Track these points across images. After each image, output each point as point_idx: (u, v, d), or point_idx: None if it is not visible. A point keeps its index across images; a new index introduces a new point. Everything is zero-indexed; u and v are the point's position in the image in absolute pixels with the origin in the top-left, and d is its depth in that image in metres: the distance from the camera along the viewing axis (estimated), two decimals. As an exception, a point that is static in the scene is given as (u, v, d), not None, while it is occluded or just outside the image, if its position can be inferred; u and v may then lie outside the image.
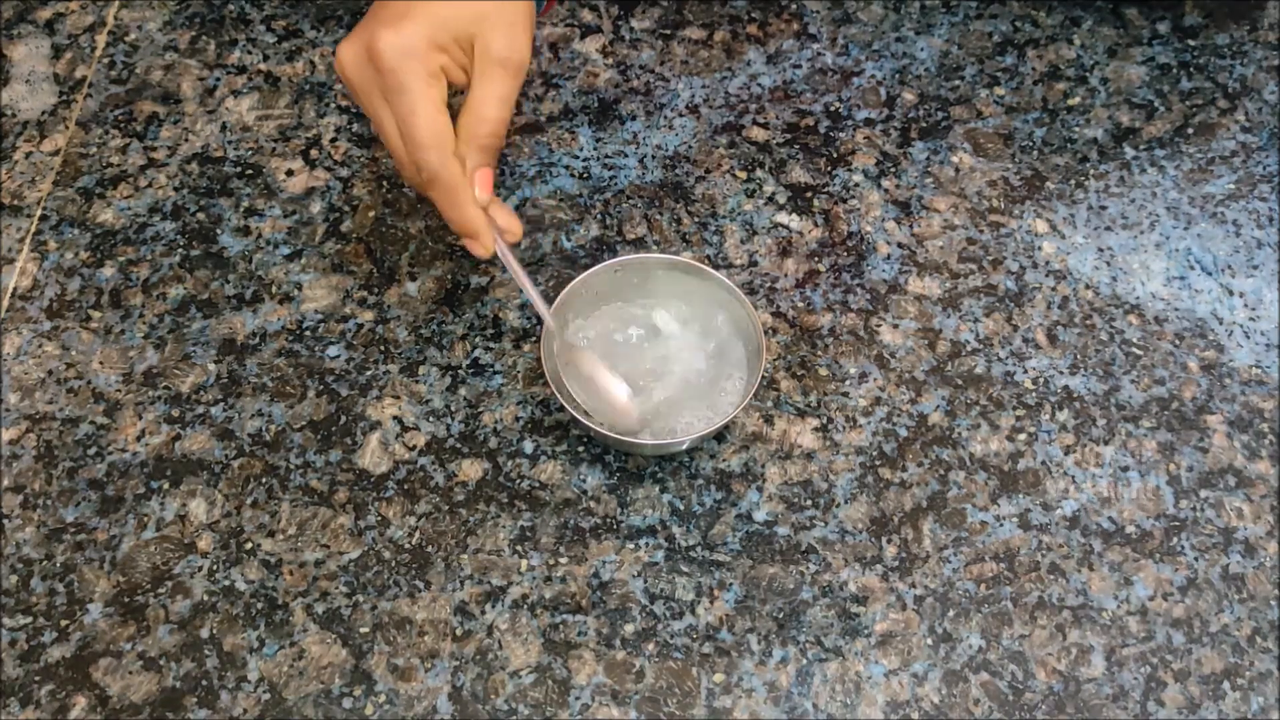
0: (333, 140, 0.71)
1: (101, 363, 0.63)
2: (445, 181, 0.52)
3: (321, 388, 0.63)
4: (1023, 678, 0.56)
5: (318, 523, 0.59)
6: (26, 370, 0.63)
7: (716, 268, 0.65)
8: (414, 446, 0.61)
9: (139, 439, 0.61)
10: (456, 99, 0.53)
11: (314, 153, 0.70)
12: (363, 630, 0.56)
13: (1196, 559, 0.60)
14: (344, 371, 0.63)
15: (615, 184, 0.70)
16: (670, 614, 0.57)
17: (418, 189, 0.55)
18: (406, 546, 0.59)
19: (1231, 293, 0.68)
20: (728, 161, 0.71)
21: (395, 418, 0.62)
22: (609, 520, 0.60)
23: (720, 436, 0.62)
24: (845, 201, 0.70)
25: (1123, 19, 0.78)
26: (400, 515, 0.59)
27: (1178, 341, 0.66)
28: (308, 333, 0.64)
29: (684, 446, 0.60)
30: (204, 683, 0.55)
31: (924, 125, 0.73)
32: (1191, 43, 0.77)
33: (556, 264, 0.67)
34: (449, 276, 0.66)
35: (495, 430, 0.62)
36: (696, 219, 0.69)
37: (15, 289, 0.65)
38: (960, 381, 0.64)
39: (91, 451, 0.61)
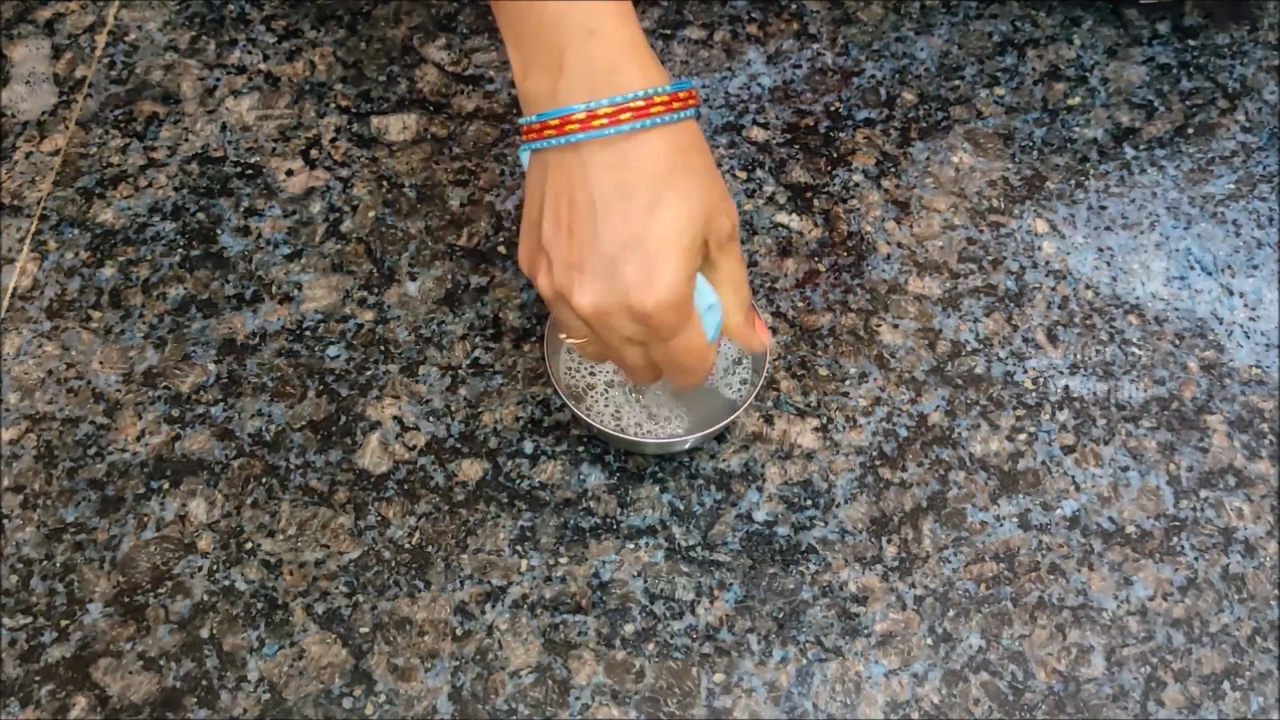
0: (333, 140, 0.71)
1: (101, 363, 0.63)
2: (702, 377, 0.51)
3: (321, 388, 0.63)
4: (1023, 678, 0.56)
5: (318, 523, 0.59)
6: (26, 370, 0.63)
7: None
8: (414, 446, 0.61)
9: (139, 439, 0.61)
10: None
11: (314, 153, 0.70)
12: (363, 630, 0.56)
13: (1196, 559, 0.60)
14: (344, 371, 0.63)
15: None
16: (670, 614, 0.57)
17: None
18: (406, 546, 0.59)
19: (1231, 293, 0.68)
20: (728, 161, 0.71)
21: (395, 418, 0.62)
22: (609, 520, 0.60)
23: (720, 436, 0.62)
24: (845, 201, 0.70)
25: (1123, 19, 0.78)
26: (400, 515, 0.59)
27: (1178, 341, 0.66)
28: (308, 333, 0.64)
29: (685, 446, 0.60)
30: (204, 683, 0.55)
31: (924, 125, 0.73)
32: (1191, 43, 0.77)
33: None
34: (449, 276, 0.66)
35: (495, 430, 0.62)
36: (696, 219, 0.69)
37: (15, 289, 0.65)
38: (960, 381, 0.64)
39: (91, 451, 0.61)
